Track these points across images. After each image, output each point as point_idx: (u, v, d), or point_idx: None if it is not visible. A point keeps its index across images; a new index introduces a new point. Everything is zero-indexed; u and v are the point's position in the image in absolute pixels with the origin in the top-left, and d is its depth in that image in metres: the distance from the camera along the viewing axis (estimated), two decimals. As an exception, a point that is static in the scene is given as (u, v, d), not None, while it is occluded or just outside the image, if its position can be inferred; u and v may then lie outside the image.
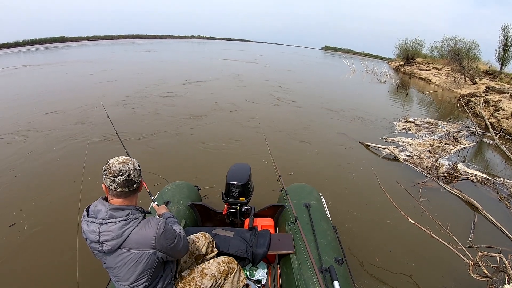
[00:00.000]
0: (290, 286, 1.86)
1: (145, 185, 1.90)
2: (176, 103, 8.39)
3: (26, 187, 3.83)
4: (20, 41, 34.12)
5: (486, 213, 3.76)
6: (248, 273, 2.11)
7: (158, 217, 1.67)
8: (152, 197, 2.07)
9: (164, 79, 12.07)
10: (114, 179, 1.27)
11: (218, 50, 35.96)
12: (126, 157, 1.36)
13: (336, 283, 1.62)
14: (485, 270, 2.34)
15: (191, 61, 21.58)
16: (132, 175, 1.31)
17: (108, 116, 3.04)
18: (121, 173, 1.27)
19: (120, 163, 1.30)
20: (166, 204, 2.40)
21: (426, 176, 4.76)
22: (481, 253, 2.40)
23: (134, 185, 1.33)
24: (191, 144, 5.48)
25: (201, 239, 1.83)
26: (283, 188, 2.66)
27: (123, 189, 1.29)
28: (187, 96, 9.29)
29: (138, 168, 1.35)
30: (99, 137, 5.52)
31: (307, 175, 4.50)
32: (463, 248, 2.47)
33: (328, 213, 2.50)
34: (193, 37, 75.51)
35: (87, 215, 1.29)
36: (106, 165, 1.30)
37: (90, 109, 7.25)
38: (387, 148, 5.65)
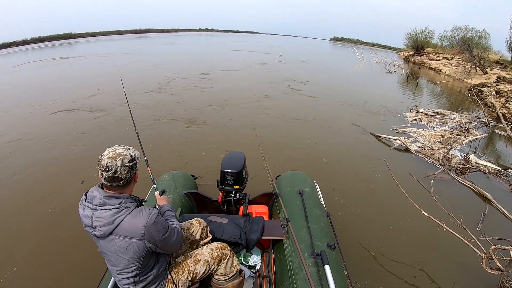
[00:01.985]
0: (282, 270, 1.89)
1: (149, 170, 1.98)
2: (211, 89, 9.27)
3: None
4: (28, 39, 33.92)
5: (498, 205, 3.63)
6: (242, 259, 2.11)
7: (157, 207, 1.69)
8: (155, 185, 2.06)
9: (197, 68, 13.21)
10: (102, 173, 1.26)
11: (232, 42, 36.14)
12: (120, 150, 1.30)
13: (327, 267, 1.62)
14: (498, 264, 2.24)
15: (215, 53, 22.38)
16: (119, 172, 1.26)
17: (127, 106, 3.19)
18: (107, 169, 1.24)
19: (110, 157, 1.26)
20: (162, 193, 2.39)
21: (437, 167, 4.61)
22: (494, 246, 2.30)
23: (121, 182, 1.28)
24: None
25: (195, 224, 1.83)
26: (278, 176, 2.72)
27: (110, 184, 1.28)
28: (217, 85, 9.89)
29: (127, 164, 1.28)
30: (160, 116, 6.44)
31: (313, 164, 4.46)
32: (476, 240, 2.36)
33: (322, 200, 2.48)
34: (200, 30, 75.07)
35: (85, 200, 1.30)
36: (100, 155, 1.28)
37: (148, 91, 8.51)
38: (398, 139, 5.50)
